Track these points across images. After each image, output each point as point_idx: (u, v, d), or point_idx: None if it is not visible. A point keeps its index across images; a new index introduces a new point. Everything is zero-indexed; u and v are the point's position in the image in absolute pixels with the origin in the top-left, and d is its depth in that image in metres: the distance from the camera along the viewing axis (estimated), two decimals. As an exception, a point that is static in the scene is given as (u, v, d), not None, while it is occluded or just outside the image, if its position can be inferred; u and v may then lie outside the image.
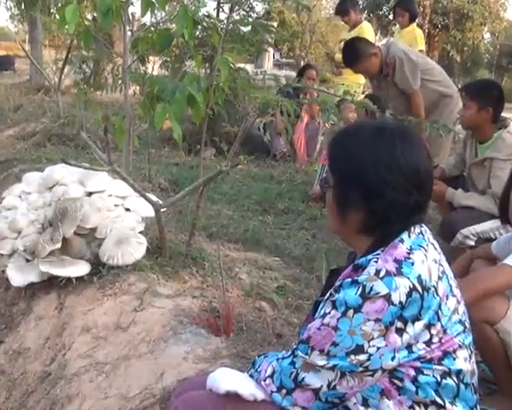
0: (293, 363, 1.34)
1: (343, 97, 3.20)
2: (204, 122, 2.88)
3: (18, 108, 7.69)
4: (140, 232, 2.87)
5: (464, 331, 1.36)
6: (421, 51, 5.64)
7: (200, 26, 3.30)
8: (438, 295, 1.30)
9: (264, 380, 1.39)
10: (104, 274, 2.70)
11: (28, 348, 2.65)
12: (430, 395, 1.31)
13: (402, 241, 1.34)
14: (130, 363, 2.20)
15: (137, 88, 4.10)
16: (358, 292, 1.27)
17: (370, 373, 1.29)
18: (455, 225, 3.20)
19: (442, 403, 1.32)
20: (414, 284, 1.26)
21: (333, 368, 1.29)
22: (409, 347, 1.28)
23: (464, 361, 1.35)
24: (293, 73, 7.92)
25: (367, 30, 6.34)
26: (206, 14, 3.71)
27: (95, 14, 5.36)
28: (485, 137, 3.29)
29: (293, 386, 1.34)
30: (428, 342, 1.29)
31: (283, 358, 1.39)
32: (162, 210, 2.81)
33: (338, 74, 6.95)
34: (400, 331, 1.27)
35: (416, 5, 7.13)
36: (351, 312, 1.27)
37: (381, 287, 1.26)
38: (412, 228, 1.37)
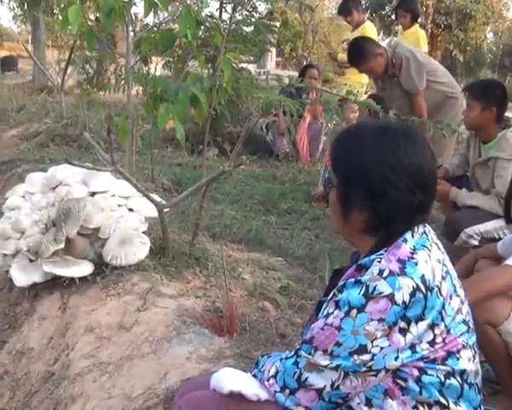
0: (296, 363, 1.34)
1: (346, 97, 3.19)
2: (207, 122, 2.88)
3: (21, 108, 7.71)
4: (143, 232, 2.87)
5: (468, 331, 1.36)
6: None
7: (202, 27, 3.30)
8: (441, 295, 1.30)
9: (268, 380, 1.39)
10: (107, 274, 2.70)
11: (32, 348, 2.65)
12: (434, 395, 1.31)
13: (405, 241, 1.33)
14: (133, 363, 2.21)
15: (140, 88, 4.09)
16: (362, 292, 1.27)
17: (374, 373, 1.29)
18: (459, 224, 3.20)
19: (446, 403, 1.32)
20: (417, 284, 1.26)
21: (336, 368, 1.29)
22: (412, 347, 1.28)
23: (468, 361, 1.34)
24: (296, 73, 7.92)
25: (370, 30, 6.34)
26: (209, 14, 3.72)
27: (97, 15, 5.37)
28: (488, 137, 3.29)
29: (296, 386, 1.34)
30: (432, 343, 1.29)
31: (287, 358, 1.39)
32: (165, 210, 2.81)
33: (341, 74, 6.96)
34: (404, 331, 1.26)
35: (417, 5, 7.11)
36: (354, 312, 1.27)
37: (384, 287, 1.25)
38: (416, 228, 1.37)
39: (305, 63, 11.82)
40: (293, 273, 3.09)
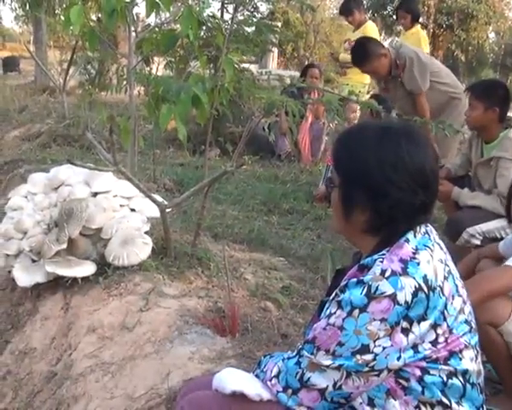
0: (298, 363, 1.35)
1: (347, 97, 3.19)
2: (209, 123, 2.88)
3: (23, 109, 7.71)
4: (145, 233, 2.88)
5: (470, 331, 1.36)
6: None
7: (204, 27, 3.31)
8: (444, 294, 1.30)
9: (270, 380, 1.39)
10: (110, 274, 2.70)
11: (34, 348, 2.65)
12: (436, 395, 1.31)
13: (407, 241, 1.33)
14: (135, 363, 2.21)
15: (142, 89, 4.10)
16: (364, 292, 1.27)
17: (376, 373, 1.29)
18: (461, 224, 3.20)
19: (448, 403, 1.32)
20: (419, 284, 1.26)
21: (338, 368, 1.29)
22: (414, 347, 1.28)
23: (470, 361, 1.34)
24: (298, 73, 7.92)
25: (371, 30, 6.33)
26: (211, 14, 3.73)
27: (99, 15, 5.37)
28: (491, 136, 3.28)
29: (298, 386, 1.34)
30: (434, 342, 1.29)
31: (289, 358, 1.39)
32: (167, 210, 2.81)
33: (342, 74, 6.95)
34: (406, 331, 1.26)
35: (417, 6, 7.10)
36: (356, 312, 1.27)
37: (386, 287, 1.25)
38: (418, 228, 1.37)
39: (306, 63, 11.80)
40: (295, 273, 3.09)
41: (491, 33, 25.60)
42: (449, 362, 1.31)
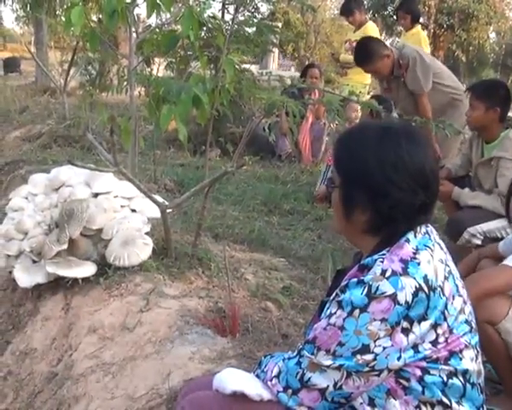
0: (299, 363, 1.35)
1: (348, 98, 3.19)
2: (209, 123, 2.88)
3: (24, 109, 7.72)
4: (146, 233, 2.88)
5: (471, 331, 1.36)
6: None
7: (205, 28, 3.31)
8: (444, 295, 1.30)
9: (271, 380, 1.39)
10: (110, 275, 2.70)
11: (35, 348, 2.66)
12: (436, 394, 1.31)
13: (408, 241, 1.34)
14: (136, 363, 2.21)
15: (143, 89, 4.10)
16: (364, 292, 1.27)
17: (376, 373, 1.29)
18: (462, 223, 3.20)
19: (448, 403, 1.32)
20: (420, 284, 1.26)
21: (339, 368, 1.29)
22: (415, 347, 1.28)
23: (470, 361, 1.34)
24: (298, 74, 7.93)
25: (372, 30, 6.33)
26: (212, 15, 3.73)
27: (100, 16, 5.37)
28: (492, 136, 3.29)
29: (299, 386, 1.34)
30: (434, 342, 1.29)
31: (289, 358, 1.39)
32: (168, 211, 2.82)
33: (343, 75, 6.95)
34: (406, 331, 1.27)
35: (418, 6, 7.10)
36: (357, 312, 1.27)
37: (387, 287, 1.26)
38: (418, 228, 1.37)
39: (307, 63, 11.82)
40: (296, 274, 3.09)
41: (491, 33, 25.59)
42: (449, 362, 1.31)
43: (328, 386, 1.31)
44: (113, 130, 2.44)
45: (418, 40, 5.94)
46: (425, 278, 1.27)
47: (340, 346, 1.29)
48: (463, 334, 1.33)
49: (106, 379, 2.22)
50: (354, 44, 5.85)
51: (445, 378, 1.31)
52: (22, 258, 2.89)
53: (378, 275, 1.27)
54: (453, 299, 1.32)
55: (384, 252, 1.32)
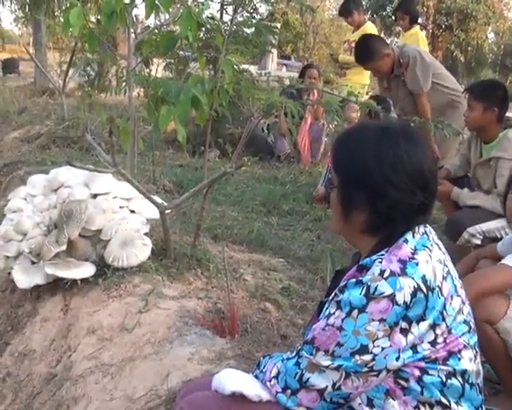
0: (298, 364, 1.35)
1: (347, 98, 3.19)
2: (208, 124, 2.88)
3: (23, 110, 7.71)
4: (145, 234, 2.88)
5: (469, 332, 1.36)
6: None
7: (204, 28, 3.31)
8: (442, 295, 1.30)
9: (270, 381, 1.39)
10: (109, 276, 2.70)
11: (34, 349, 2.66)
12: (435, 395, 1.31)
13: (406, 241, 1.34)
14: (135, 364, 2.21)
15: (141, 90, 4.11)
16: (363, 292, 1.27)
17: (375, 373, 1.29)
18: (461, 223, 3.20)
19: (447, 403, 1.32)
20: (418, 285, 1.27)
21: (338, 368, 1.29)
22: (413, 347, 1.28)
23: (469, 361, 1.34)
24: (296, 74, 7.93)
25: (371, 31, 6.33)
26: (210, 15, 3.73)
27: (99, 17, 5.37)
28: (490, 137, 3.29)
29: (298, 387, 1.34)
30: (433, 343, 1.29)
31: (288, 359, 1.39)
32: (167, 212, 2.82)
33: (342, 75, 6.96)
34: (405, 332, 1.27)
35: (416, 7, 7.11)
36: (355, 312, 1.27)
37: (385, 287, 1.26)
38: (416, 228, 1.37)
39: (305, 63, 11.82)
40: (295, 274, 3.09)
41: (490, 34, 25.66)
42: (448, 362, 1.31)
43: (326, 386, 1.31)
44: (111, 131, 2.44)
45: (417, 41, 5.94)
46: (423, 279, 1.28)
47: (339, 346, 1.29)
48: (462, 334, 1.33)
49: (105, 380, 2.22)
50: (353, 45, 5.86)
51: (444, 379, 1.31)
52: (21, 259, 2.89)
53: (376, 275, 1.27)
54: (451, 299, 1.33)
55: (382, 252, 1.33)
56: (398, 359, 1.28)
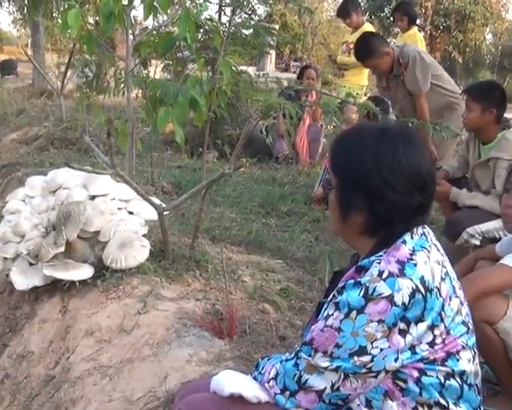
0: (296, 365, 1.35)
1: (345, 100, 3.19)
2: (206, 125, 2.88)
3: (21, 112, 7.70)
4: (143, 235, 2.88)
5: (467, 332, 1.36)
6: None
7: (202, 30, 3.31)
8: (441, 296, 1.30)
9: (268, 382, 1.39)
10: (107, 277, 2.70)
11: (32, 351, 2.65)
12: (434, 396, 1.31)
13: (404, 242, 1.34)
14: (133, 366, 2.21)
15: (140, 91, 4.11)
16: (361, 293, 1.27)
17: (374, 375, 1.29)
18: (460, 224, 3.21)
19: (446, 404, 1.32)
20: (417, 285, 1.27)
21: (336, 370, 1.29)
22: (412, 348, 1.28)
23: (468, 362, 1.35)
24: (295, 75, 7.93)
25: (369, 32, 6.34)
26: (208, 17, 3.73)
27: (97, 18, 5.37)
28: (488, 138, 3.30)
29: (296, 388, 1.34)
30: (432, 343, 1.30)
31: (287, 360, 1.39)
32: (165, 213, 2.81)
33: (340, 76, 6.96)
34: (403, 333, 1.27)
35: (414, 8, 7.12)
36: (354, 313, 1.27)
37: (383, 288, 1.26)
38: (415, 229, 1.37)
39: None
40: (293, 275, 3.09)
41: (488, 35, 25.70)
42: (446, 363, 1.31)
43: (325, 388, 1.31)
44: (110, 132, 2.44)
45: (415, 42, 5.94)
46: (422, 280, 1.28)
47: (338, 347, 1.29)
48: (460, 335, 1.34)
49: (103, 382, 2.22)
50: (351, 46, 5.87)
51: (443, 380, 1.31)
52: (19, 261, 2.89)
53: (375, 276, 1.27)
54: (450, 300, 1.33)
55: (381, 253, 1.33)
56: (396, 360, 1.28)
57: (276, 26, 13.38)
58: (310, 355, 1.32)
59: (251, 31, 3.48)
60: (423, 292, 1.27)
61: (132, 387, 2.11)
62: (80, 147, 5.70)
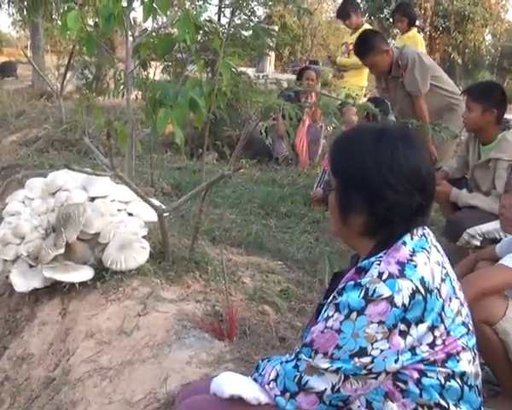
0: (296, 366, 1.35)
1: (345, 101, 3.19)
2: (206, 126, 2.88)
3: (20, 113, 7.70)
4: (143, 237, 2.87)
5: (468, 333, 1.36)
6: None
7: (201, 31, 3.31)
8: (441, 297, 1.30)
9: (268, 384, 1.39)
10: (107, 279, 2.70)
11: (32, 353, 2.65)
12: (434, 397, 1.31)
13: (404, 243, 1.34)
14: (134, 368, 2.21)
15: (139, 93, 4.11)
16: (361, 295, 1.27)
17: (374, 376, 1.29)
18: (461, 224, 3.21)
19: (446, 405, 1.32)
20: (417, 287, 1.26)
21: (336, 371, 1.29)
22: (412, 349, 1.28)
23: (468, 363, 1.34)
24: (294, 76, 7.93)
25: (368, 33, 6.34)
26: (208, 18, 3.73)
27: (97, 20, 5.37)
28: (488, 138, 3.29)
29: (296, 389, 1.34)
30: (432, 345, 1.29)
31: (287, 361, 1.39)
32: (165, 214, 2.81)
33: (339, 78, 6.96)
34: (404, 334, 1.27)
35: (414, 10, 7.13)
36: (354, 314, 1.27)
37: (384, 289, 1.26)
38: (415, 230, 1.37)
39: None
40: (293, 277, 3.09)
41: (487, 35, 25.71)
42: (446, 364, 1.31)
43: (325, 389, 1.31)
44: (109, 134, 2.44)
45: (415, 43, 5.94)
46: (422, 281, 1.28)
47: (338, 349, 1.28)
48: (460, 336, 1.33)
49: (103, 384, 2.22)
50: (351, 47, 5.88)
51: (443, 381, 1.31)
52: (19, 262, 2.88)
53: (375, 278, 1.27)
54: (450, 301, 1.33)
55: (381, 254, 1.32)
56: (396, 361, 1.27)
57: (276, 28, 13.37)
58: (310, 357, 1.32)
59: (250, 32, 3.48)
60: (423, 293, 1.27)
61: (132, 389, 2.11)
62: (80, 148, 5.70)
